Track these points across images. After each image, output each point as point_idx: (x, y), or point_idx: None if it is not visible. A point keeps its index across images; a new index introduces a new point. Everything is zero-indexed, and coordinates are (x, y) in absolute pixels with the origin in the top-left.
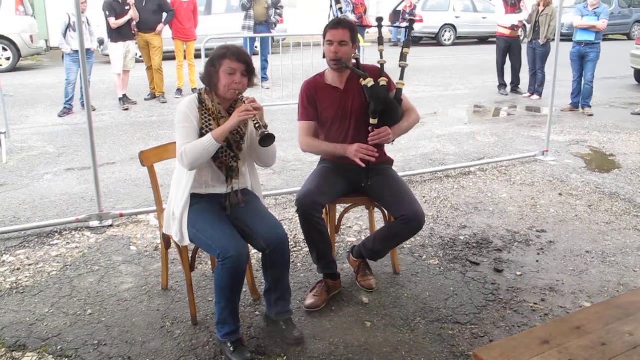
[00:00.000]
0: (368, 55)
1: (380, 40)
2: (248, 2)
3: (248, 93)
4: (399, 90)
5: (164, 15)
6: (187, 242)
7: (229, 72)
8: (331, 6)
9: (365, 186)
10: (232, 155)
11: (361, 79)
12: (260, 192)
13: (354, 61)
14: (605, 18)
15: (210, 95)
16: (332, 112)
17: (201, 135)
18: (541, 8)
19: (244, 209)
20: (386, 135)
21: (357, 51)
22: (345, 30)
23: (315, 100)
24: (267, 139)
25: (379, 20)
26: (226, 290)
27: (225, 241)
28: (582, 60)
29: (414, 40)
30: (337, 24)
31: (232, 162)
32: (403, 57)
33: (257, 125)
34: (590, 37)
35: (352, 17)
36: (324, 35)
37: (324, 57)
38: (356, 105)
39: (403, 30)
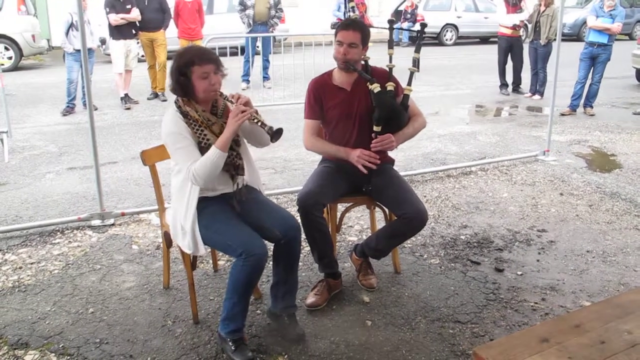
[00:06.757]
0: (369, 55)
1: (390, 44)
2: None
3: (249, 93)
4: (406, 96)
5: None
6: (202, 251)
7: (203, 77)
8: (346, 5)
9: (365, 191)
10: (235, 154)
11: (368, 83)
12: (259, 184)
13: (362, 62)
14: (620, 21)
15: (190, 105)
16: (337, 113)
17: (200, 148)
18: (542, 8)
19: (250, 204)
20: (389, 143)
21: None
22: (356, 32)
23: (322, 99)
24: (278, 134)
25: (391, 22)
26: (242, 288)
27: (248, 240)
28: (593, 61)
29: (414, 40)
30: (348, 25)
31: (238, 161)
32: (414, 62)
33: (259, 124)
34: (603, 40)
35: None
36: (335, 35)
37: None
38: (362, 108)
39: (405, 30)
